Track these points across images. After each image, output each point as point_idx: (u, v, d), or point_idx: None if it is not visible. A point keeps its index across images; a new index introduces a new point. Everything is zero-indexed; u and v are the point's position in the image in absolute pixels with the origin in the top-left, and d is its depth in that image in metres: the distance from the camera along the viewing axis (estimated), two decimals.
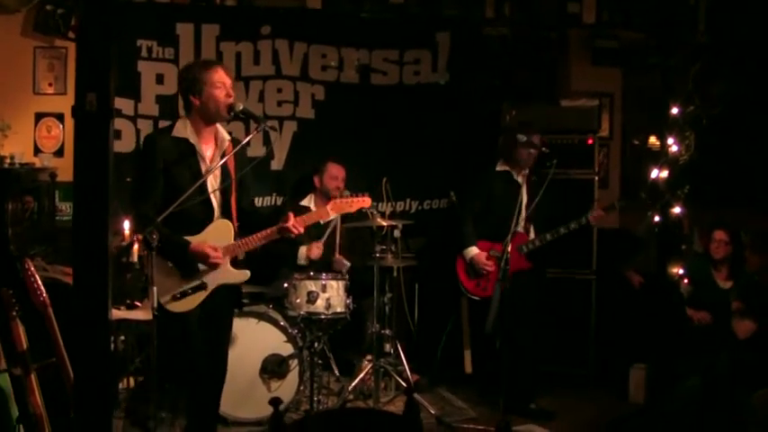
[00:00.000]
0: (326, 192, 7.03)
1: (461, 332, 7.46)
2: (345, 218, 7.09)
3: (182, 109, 4.94)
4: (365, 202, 5.40)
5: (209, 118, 4.80)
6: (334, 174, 7.08)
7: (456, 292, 6.88)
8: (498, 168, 6.72)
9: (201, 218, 4.77)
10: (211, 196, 4.76)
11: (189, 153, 4.75)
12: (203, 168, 4.75)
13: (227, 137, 4.94)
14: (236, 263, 4.92)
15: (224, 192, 4.85)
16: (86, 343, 3.45)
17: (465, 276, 6.72)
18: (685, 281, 6.68)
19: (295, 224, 4.93)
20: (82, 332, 3.46)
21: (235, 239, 4.87)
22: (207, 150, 4.82)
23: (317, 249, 6.81)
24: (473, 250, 6.65)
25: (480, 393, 6.86)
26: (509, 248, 5.98)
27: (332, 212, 5.34)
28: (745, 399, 5.48)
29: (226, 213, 4.86)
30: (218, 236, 4.81)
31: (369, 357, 6.53)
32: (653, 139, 7.76)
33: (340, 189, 7.05)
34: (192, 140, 4.77)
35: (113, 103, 3.41)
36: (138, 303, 6.07)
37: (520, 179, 6.65)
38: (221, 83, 4.76)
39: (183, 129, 4.78)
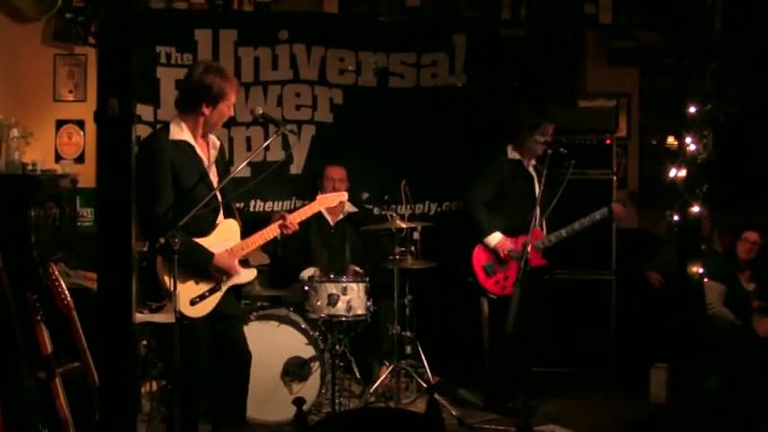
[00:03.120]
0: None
1: (482, 333, 7.46)
2: (364, 221, 7.14)
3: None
4: (343, 195, 5.81)
5: (206, 127, 4.81)
6: (330, 175, 7.13)
7: (476, 293, 6.88)
8: (510, 156, 6.64)
9: (210, 218, 4.80)
10: (218, 195, 4.79)
11: (191, 154, 4.74)
12: (207, 168, 4.79)
13: (218, 141, 4.97)
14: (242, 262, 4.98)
15: (223, 191, 4.90)
16: (110, 347, 3.49)
17: (483, 275, 6.56)
18: (705, 280, 6.67)
19: (291, 221, 5.05)
20: (106, 336, 3.49)
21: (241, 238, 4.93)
22: (203, 151, 4.84)
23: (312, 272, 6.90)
24: (496, 237, 6.48)
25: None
26: (529, 248, 5.90)
27: (319, 206, 5.49)
28: (766, 396, 5.49)
29: (228, 211, 4.91)
30: (226, 236, 4.86)
31: (387, 361, 6.55)
32: (671, 140, 7.74)
33: (339, 190, 7.04)
34: (191, 142, 4.75)
35: (135, 107, 3.44)
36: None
37: (531, 170, 6.62)
38: (232, 103, 4.81)
39: (180, 131, 4.74)
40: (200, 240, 4.72)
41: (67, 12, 7.33)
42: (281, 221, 5.04)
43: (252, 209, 7.58)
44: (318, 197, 5.56)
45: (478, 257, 6.61)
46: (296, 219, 5.12)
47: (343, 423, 3.18)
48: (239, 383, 5.00)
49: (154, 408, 5.74)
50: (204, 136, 4.86)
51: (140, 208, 4.58)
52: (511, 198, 6.51)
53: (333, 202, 5.68)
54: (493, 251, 6.54)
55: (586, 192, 7.00)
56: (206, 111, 4.72)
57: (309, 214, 5.33)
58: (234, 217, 4.95)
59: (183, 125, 4.75)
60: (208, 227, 4.79)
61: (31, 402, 4.79)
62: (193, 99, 4.73)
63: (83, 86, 7.55)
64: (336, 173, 7.16)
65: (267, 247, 6.32)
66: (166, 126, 4.78)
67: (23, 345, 4.99)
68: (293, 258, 6.97)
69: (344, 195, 5.82)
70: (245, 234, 4.98)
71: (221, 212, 4.88)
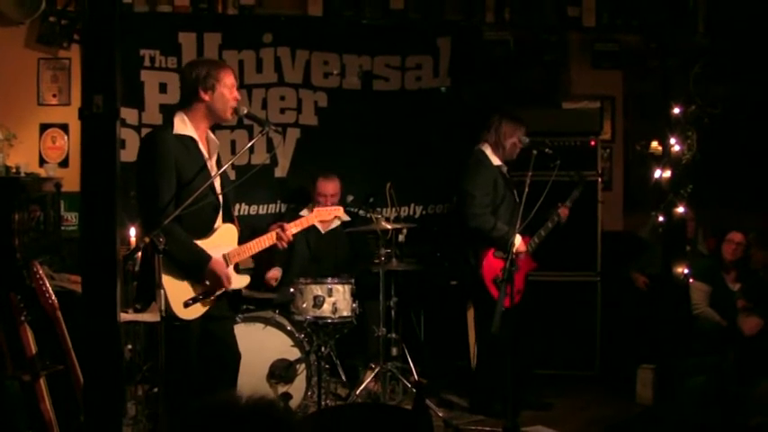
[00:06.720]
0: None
1: (467, 335, 7.45)
2: (350, 222, 7.12)
3: None
4: (339, 210, 5.97)
5: (213, 116, 4.76)
6: (322, 191, 6.96)
7: (463, 295, 6.87)
8: (495, 163, 6.55)
9: (210, 217, 4.76)
10: (219, 196, 4.78)
11: (194, 150, 4.70)
12: (209, 165, 4.75)
13: (217, 141, 4.92)
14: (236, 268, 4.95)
15: (225, 194, 4.87)
16: (95, 349, 3.48)
17: (495, 288, 6.13)
18: (691, 280, 6.70)
19: (288, 232, 5.04)
20: (91, 337, 3.48)
21: (238, 244, 4.90)
22: (205, 149, 4.80)
23: (275, 272, 6.91)
24: (518, 239, 6.19)
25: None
26: (514, 249, 5.87)
27: (315, 218, 5.51)
28: (751, 394, 5.51)
29: (227, 214, 4.89)
30: (224, 240, 4.82)
31: (373, 363, 6.52)
32: (655, 144, 7.77)
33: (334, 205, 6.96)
34: (194, 137, 4.72)
35: (119, 103, 3.44)
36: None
37: (508, 175, 6.60)
38: (232, 85, 4.77)
39: (184, 125, 4.70)
40: (197, 242, 4.69)
41: (51, 15, 7.30)
42: (278, 230, 5.03)
43: (237, 212, 7.55)
44: (316, 210, 5.59)
45: (489, 268, 6.39)
46: (291, 230, 5.09)
47: (331, 417, 3.17)
48: (226, 384, 4.96)
49: (139, 411, 5.71)
50: (209, 130, 4.83)
51: (144, 204, 4.61)
52: (503, 205, 6.48)
53: (328, 216, 5.77)
54: (507, 258, 5.88)
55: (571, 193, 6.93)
56: (206, 97, 4.69)
57: (305, 226, 5.33)
58: (233, 222, 4.93)
59: (187, 120, 4.72)
60: (207, 228, 4.75)
61: (14, 404, 4.75)
62: (191, 90, 4.71)
63: (66, 90, 7.52)
64: (329, 188, 6.96)
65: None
66: (170, 122, 4.74)
67: (7, 346, 4.95)
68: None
69: (340, 211, 5.88)
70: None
71: (221, 214, 4.85)
